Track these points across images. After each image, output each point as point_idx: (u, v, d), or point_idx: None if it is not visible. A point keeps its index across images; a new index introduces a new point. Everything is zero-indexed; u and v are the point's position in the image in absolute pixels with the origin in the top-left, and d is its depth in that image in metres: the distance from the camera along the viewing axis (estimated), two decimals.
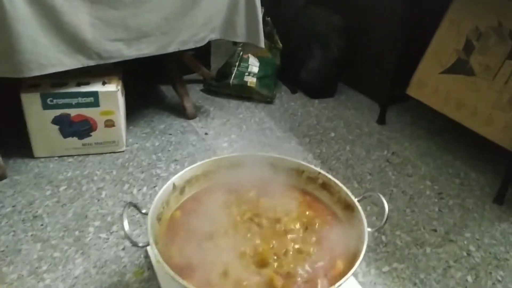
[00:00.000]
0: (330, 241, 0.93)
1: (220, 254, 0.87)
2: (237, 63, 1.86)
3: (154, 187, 1.36)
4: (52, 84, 1.36)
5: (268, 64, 1.90)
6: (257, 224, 0.95)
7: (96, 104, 1.38)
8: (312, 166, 1.06)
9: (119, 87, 1.41)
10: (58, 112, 1.37)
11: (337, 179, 1.43)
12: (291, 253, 0.89)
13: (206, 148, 1.56)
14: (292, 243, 0.91)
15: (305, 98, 1.93)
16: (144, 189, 1.34)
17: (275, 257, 0.88)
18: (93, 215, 1.24)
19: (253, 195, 1.03)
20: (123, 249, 1.14)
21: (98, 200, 1.29)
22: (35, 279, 1.04)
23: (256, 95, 1.85)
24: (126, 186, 1.35)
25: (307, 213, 1.00)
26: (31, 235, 1.16)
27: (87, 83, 1.39)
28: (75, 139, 1.42)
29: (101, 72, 1.42)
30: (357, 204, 0.96)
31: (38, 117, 1.36)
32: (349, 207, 0.98)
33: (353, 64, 1.96)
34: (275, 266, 0.86)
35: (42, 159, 1.43)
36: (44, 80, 1.35)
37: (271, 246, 0.90)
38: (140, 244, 0.86)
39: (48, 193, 1.30)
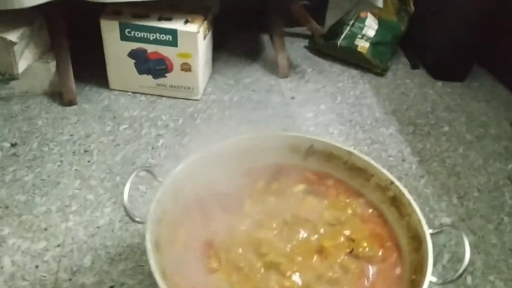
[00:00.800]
0: (375, 277, 0.70)
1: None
2: (351, 22, 1.57)
3: None
4: (133, 14, 1.25)
5: (389, 28, 1.58)
6: (289, 227, 0.75)
7: (174, 43, 1.25)
8: (385, 172, 0.81)
9: (202, 29, 1.25)
10: (135, 45, 1.27)
11: (434, 187, 1.15)
12: (314, 280, 0.68)
13: (286, 114, 1.35)
14: (322, 268, 0.70)
15: (426, 77, 1.58)
16: None
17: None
18: (141, 163, 1.14)
19: (299, 191, 0.82)
20: None
21: (153, 148, 1.19)
22: (60, 218, 0.99)
23: (365, 63, 1.56)
24: (186, 139, 1.23)
25: (361, 231, 0.77)
26: (75, 169, 1.11)
27: (169, 19, 1.25)
28: (149, 77, 1.33)
29: (187, 9, 1.28)
30: (429, 239, 0.70)
31: (115, 47, 1.28)
32: (417, 239, 0.73)
33: (498, 44, 1.54)
34: None
35: (116, 92, 1.37)
36: (126, 9, 1.25)
37: (293, 266, 0.70)
38: (137, 219, 0.72)
39: (108, 129, 1.24)
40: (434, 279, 0.66)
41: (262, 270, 0.68)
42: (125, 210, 0.71)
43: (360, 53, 1.55)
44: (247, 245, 0.72)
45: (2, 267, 0.88)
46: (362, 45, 1.55)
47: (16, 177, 1.08)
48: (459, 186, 1.17)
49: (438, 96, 1.50)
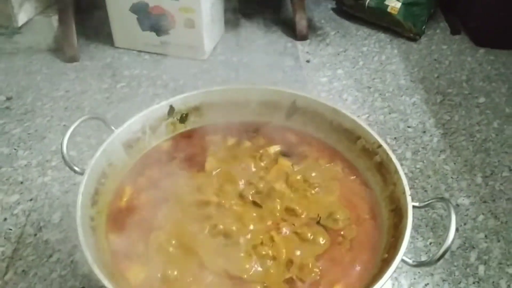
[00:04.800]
0: (342, 253, 0.59)
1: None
2: None
3: None
4: None
5: None
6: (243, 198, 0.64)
7: None
8: (374, 134, 0.68)
9: None
10: None
11: (456, 163, 1.00)
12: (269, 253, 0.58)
13: (297, 78, 1.24)
14: (283, 240, 0.59)
15: (467, 43, 1.39)
16: None
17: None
18: None
19: (273, 152, 0.72)
20: None
21: (147, 108, 1.12)
22: (38, 173, 0.95)
23: (396, 26, 1.40)
24: None
25: (335, 200, 0.65)
26: (63, 125, 1.07)
27: None
28: (153, 34, 1.26)
29: None
30: (410, 213, 0.57)
31: (117, 0, 1.22)
32: (399, 212, 0.60)
33: None
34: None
35: (121, 50, 1.31)
36: None
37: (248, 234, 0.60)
38: (77, 169, 0.65)
39: (105, 86, 1.19)
40: (407, 259, 0.54)
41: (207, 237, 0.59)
42: (63, 158, 0.64)
43: (390, 14, 1.38)
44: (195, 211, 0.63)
45: None
46: (393, 5, 1.38)
47: (5, 130, 1.05)
48: (487, 164, 1.01)
49: (477, 65, 1.31)
